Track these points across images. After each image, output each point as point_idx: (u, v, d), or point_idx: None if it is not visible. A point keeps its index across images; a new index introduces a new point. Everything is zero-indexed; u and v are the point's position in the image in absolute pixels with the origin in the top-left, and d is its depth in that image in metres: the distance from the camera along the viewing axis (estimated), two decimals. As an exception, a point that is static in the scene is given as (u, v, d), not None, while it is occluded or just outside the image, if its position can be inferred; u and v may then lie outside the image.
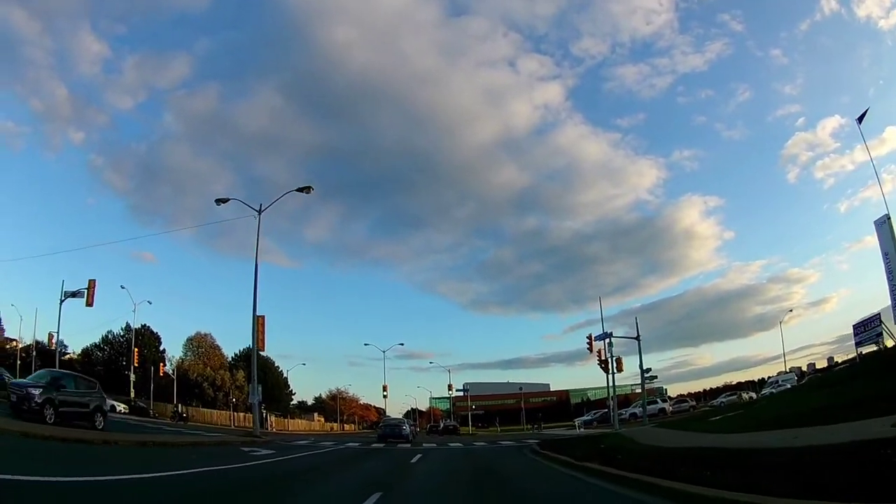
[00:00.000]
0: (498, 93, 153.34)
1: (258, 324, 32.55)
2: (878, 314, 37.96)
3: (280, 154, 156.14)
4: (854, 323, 42.74)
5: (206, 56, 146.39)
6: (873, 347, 37.52)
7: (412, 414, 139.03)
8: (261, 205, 33.61)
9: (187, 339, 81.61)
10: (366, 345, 72.69)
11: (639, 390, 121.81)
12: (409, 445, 30.03)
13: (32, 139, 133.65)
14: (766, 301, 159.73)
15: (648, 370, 36.96)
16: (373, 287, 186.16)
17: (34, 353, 55.24)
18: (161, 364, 64.89)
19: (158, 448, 18.00)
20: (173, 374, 66.78)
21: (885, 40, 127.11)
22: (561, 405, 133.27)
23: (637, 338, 36.85)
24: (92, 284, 42.87)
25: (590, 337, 40.96)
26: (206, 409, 66.34)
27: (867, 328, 39.39)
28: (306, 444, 29.76)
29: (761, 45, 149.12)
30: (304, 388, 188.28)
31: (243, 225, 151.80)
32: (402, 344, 71.70)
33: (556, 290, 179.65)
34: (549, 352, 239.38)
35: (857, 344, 41.39)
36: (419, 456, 20.82)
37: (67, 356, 64.36)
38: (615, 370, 36.07)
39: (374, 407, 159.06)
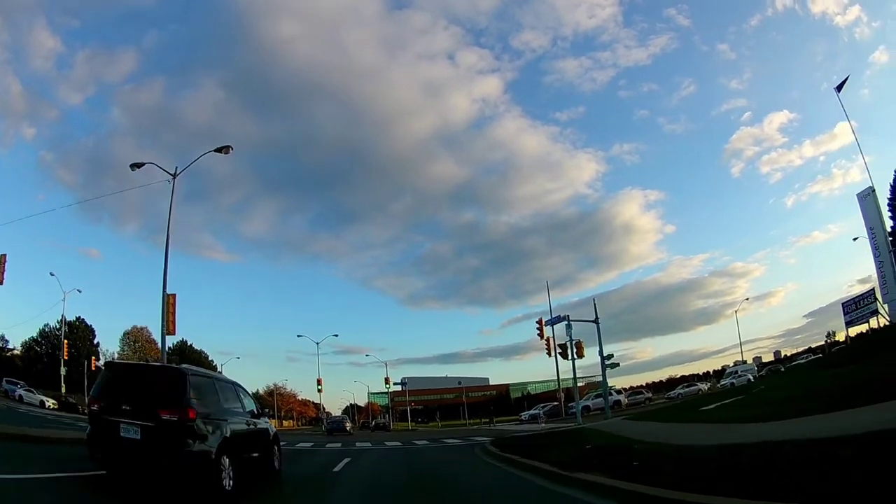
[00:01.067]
0: (436, 86, 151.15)
1: (168, 303, 26.63)
2: (873, 290, 35.10)
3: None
4: (843, 300, 40.23)
5: (153, 50, 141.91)
6: (864, 327, 34.81)
7: (351, 409, 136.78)
8: (176, 168, 28.35)
9: (124, 333, 75.47)
10: (299, 336, 66.80)
11: (582, 384, 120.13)
12: (339, 445, 25.09)
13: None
14: (708, 295, 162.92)
15: (610, 356, 32.89)
16: (312, 282, 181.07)
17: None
18: (94, 358, 58.09)
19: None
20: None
21: (840, 36, 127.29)
22: (501, 399, 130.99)
23: (596, 320, 32.70)
24: (2, 260, 36.11)
25: (540, 322, 36.61)
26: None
27: (859, 305, 36.56)
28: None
29: (707, 39, 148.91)
30: (245, 385, 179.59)
31: (189, 222, 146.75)
32: (336, 335, 66.14)
33: (493, 285, 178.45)
34: (486, 346, 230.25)
35: (848, 323, 38.80)
36: (346, 461, 15.79)
37: (10, 352, 60.95)
38: (575, 356, 31.79)
39: (313, 403, 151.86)
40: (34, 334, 63.84)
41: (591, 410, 47.37)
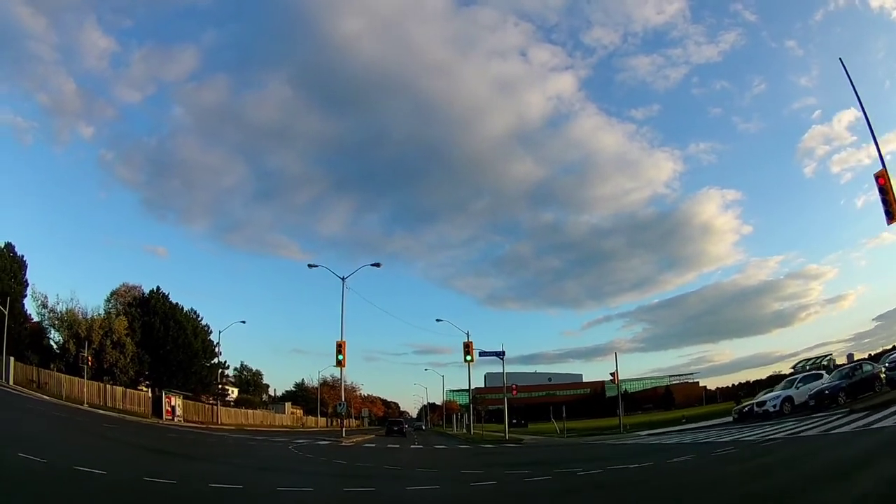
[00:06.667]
0: (510, 83, 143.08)
1: None
2: None
3: (291, 146, 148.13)
4: None
5: (213, 48, 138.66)
6: None
7: (426, 409, 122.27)
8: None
9: (111, 293, 55.20)
10: (311, 266, 40.80)
11: (657, 379, 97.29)
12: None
13: (40, 134, 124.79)
14: (784, 297, 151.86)
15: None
16: (389, 281, 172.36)
17: None
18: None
19: None
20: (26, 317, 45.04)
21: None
22: (596, 398, 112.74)
23: None
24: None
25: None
26: (68, 376, 40.12)
27: None
28: None
29: (775, 35, 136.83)
30: (296, 378, 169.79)
31: (261, 222, 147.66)
32: (377, 265, 40.67)
33: (574, 286, 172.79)
34: (568, 347, 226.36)
35: None
36: None
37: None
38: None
39: (382, 400, 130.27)
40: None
41: None
